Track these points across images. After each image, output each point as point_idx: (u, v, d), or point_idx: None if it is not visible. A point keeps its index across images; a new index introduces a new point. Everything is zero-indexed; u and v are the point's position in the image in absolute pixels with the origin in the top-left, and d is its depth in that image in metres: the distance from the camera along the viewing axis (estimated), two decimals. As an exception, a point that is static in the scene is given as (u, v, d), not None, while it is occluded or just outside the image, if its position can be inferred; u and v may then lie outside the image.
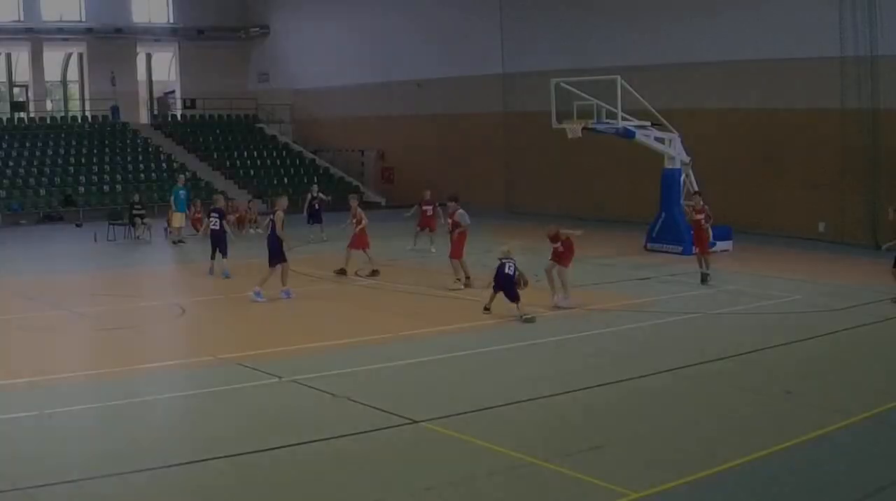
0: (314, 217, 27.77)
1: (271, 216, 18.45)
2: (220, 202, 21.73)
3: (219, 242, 20.55)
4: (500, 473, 8.63)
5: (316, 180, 36.96)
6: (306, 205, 28.37)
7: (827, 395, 11.33)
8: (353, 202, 21.77)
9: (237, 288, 19.21)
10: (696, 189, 22.92)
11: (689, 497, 8.16)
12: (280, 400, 11.03)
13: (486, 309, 16.02)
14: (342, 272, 20.19)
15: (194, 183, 37.66)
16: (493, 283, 15.98)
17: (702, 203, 20.07)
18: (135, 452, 9.15)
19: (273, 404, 10.86)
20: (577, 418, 10.44)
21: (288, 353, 13.36)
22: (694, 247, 20.46)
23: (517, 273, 15.78)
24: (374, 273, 20.15)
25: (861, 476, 8.65)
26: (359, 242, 20.51)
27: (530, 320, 15.37)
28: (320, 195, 28.82)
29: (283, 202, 18.53)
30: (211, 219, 21.02)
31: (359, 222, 20.60)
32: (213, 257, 20.62)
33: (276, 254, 17.72)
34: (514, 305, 15.66)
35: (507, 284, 15.71)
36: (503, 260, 15.95)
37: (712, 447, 9.39)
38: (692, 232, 20.58)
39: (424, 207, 24.85)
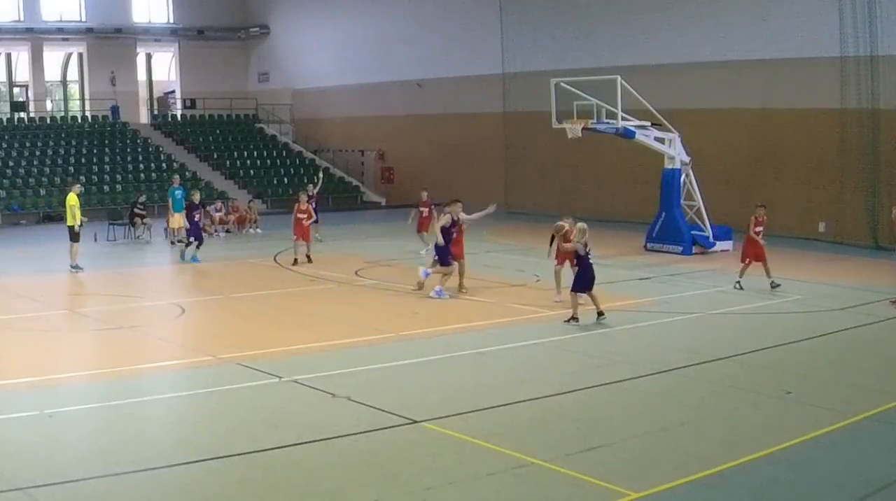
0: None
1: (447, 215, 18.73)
2: (196, 197, 23.73)
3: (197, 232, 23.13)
4: (500, 473, 8.63)
5: (315, 180, 36.64)
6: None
7: (827, 395, 11.33)
8: (302, 196, 23.50)
9: (237, 288, 19.22)
10: (761, 203, 20.73)
11: (689, 497, 8.16)
12: (280, 400, 11.02)
13: (600, 313, 15.32)
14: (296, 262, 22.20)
15: (194, 183, 37.66)
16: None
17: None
18: (135, 452, 9.15)
19: (273, 404, 10.86)
20: (576, 418, 10.43)
21: (288, 353, 13.36)
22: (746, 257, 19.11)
23: None
24: (295, 262, 22.21)
25: (861, 476, 8.65)
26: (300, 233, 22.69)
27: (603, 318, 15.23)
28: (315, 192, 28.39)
29: (457, 207, 18.45)
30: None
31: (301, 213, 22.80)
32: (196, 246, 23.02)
33: (445, 254, 18.02)
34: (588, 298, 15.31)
35: (593, 275, 15.27)
36: (588, 251, 15.29)
37: (712, 447, 9.39)
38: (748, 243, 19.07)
39: (421, 208, 24.40)
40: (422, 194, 24.73)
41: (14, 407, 10.61)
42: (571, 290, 15.53)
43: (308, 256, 22.52)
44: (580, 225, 15.65)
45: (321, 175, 32.00)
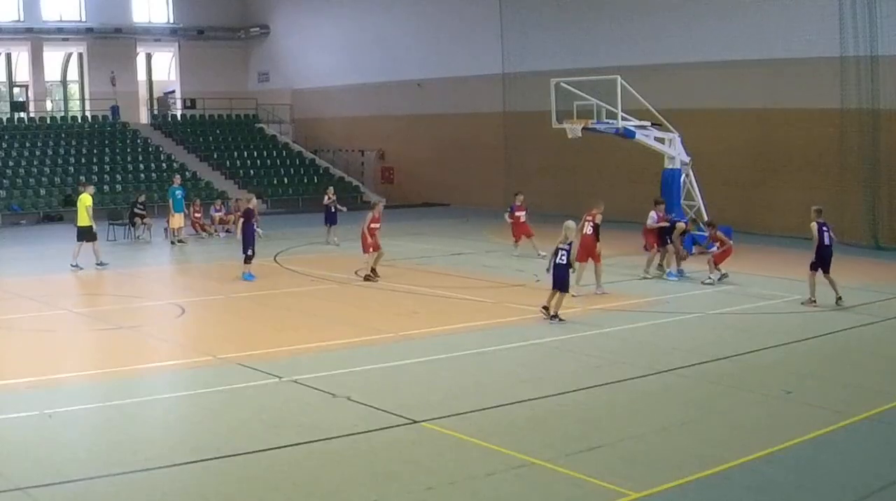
0: (330, 218, 26.60)
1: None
2: (253, 203, 20.85)
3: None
4: (500, 473, 8.63)
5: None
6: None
7: (827, 395, 11.34)
8: (379, 205, 21.06)
9: (237, 288, 19.21)
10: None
11: (689, 497, 8.16)
12: (280, 400, 11.03)
13: (546, 307, 15.44)
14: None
15: (194, 183, 37.68)
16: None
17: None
18: (135, 452, 9.15)
19: (273, 404, 10.87)
20: (576, 418, 10.44)
21: (288, 353, 13.36)
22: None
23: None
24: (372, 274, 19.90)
25: (861, 476, 8.65)
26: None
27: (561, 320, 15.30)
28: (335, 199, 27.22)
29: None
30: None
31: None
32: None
33: None
34: (556, 297, 15.37)
35: (561, 275, 15.32)
36: (560, 247, 15.37)
37: (712, 447, 9.40)
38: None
39: (517, 213, 23.48)
40: (517, 197, 23.74)
41: (14, 407, 10.61)
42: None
43: (370, 270, 19.89)
44: (567, 222, 15.68)
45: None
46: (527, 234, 23.34)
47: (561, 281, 15.41)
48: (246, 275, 19.72)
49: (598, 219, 18.61)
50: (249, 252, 19.70)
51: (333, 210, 26.80)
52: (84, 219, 21.92)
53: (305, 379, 11.72)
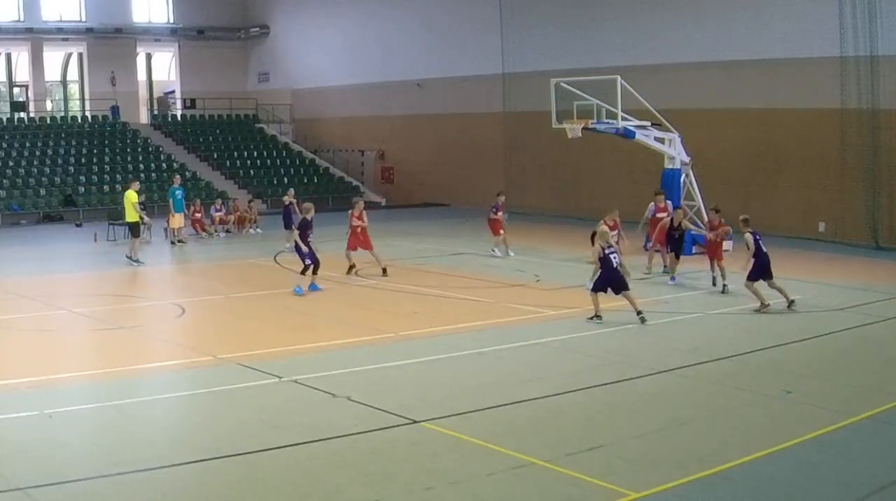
0: (288, 221, 24.99)
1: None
2: (310, 214, 18.93)
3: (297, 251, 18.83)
4: (500, 473, 8.63)
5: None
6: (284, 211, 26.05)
7: (827, 395, 11.34)
8: (360, 203, 21.24)
9: (237, 288, 19.23)
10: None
11: (689, 497, 8.16)
12: (280, 400, 11.03)
13: (640, 314, 15.36)
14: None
15: (194, 183, 37.68)
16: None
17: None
18: (135, 452, 9.16)
19: (273, 404, 10.87)
20: (577, 418, 10.44)
21: (288, 353, 13.37)
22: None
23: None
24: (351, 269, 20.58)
25: (861, 476, 8.65)
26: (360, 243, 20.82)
27: (644, 319, 15.30)
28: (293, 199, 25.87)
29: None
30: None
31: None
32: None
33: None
34: (627, 299, 15.39)
35: (614, 277, 15.38)
36: (608, 252, 15.43)
37: (712, 447, 9.40)
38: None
39: (499, 213, 23.57)
40: (499, 198, 23.83)
41: (14, 407, 10.62)
42: (591, 290, 15.74)
43: (384, 269, 20.40)
44: (601, 228, 16.10)
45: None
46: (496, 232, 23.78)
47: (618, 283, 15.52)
48: (312, 286, 18.49)
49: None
50: (308, 261, 18.44)
51: (292, 211, 24.94)
52: (132, 214, 22.57)
53: (305, 379, 11.73)
